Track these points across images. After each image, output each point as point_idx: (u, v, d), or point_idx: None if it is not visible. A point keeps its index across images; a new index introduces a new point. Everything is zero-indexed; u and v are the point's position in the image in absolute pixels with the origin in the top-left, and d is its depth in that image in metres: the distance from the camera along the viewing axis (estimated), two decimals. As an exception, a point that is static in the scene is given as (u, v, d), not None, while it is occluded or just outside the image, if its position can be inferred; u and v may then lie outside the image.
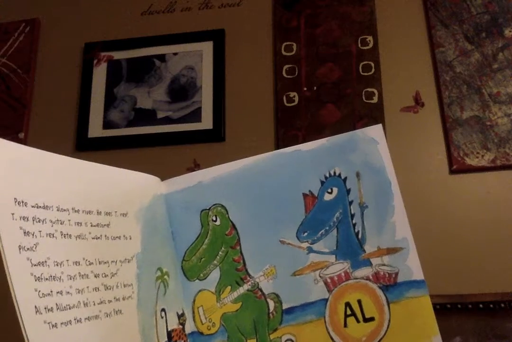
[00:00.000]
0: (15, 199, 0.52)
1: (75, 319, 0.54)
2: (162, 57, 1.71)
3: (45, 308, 0.51)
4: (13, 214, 0.51)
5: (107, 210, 0.65)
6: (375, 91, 1.52)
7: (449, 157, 1.45)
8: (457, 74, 1.49)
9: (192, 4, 1.74)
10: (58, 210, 0.57)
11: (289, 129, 1.53)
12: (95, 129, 1.67)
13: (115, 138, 1.65)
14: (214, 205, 0.77)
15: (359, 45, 1.57)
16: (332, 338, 0.71)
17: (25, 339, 0.48)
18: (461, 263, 1.37)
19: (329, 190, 0.74)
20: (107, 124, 1.67)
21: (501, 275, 1.34)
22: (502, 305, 1.31)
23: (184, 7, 1.75)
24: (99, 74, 1.72)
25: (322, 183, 0.75)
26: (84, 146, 1.65)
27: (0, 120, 1.70)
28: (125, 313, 0.62)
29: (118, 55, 1.73)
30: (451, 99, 1.47)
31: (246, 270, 0.75)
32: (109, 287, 0.61)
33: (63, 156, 0.61)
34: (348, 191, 0.74)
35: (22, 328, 0.48)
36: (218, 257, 0.75)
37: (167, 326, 0.69)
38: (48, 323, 0.51)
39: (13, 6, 1.86)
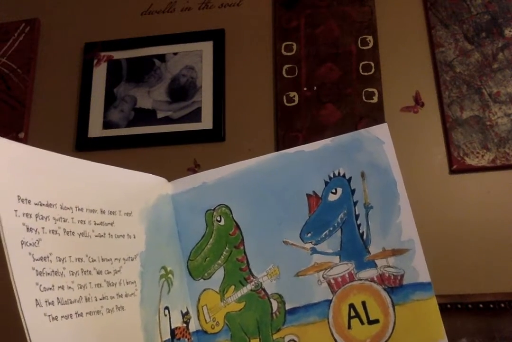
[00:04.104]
0: (18, 196, 0.53)
1: (76, 313, 0.55)
2: (162, 57, 1.70)
3: (46, 302, 0.51)
4: (16, 210, 0.52)
5: (111, 209, 0.66)
6: (375, 91, 1.52)
7: (449, 157, 1.44)
8: (457, 74, 1.49)
9: (192, 4, 1.74)
10: (61, 208, 0.58)
11: (289, 129, 1.53)
12: (95, 129, 1.67)
13: (115, 138, 1.65)
14: (218, 205, 0.77)
15: (359, 45, 1.57)
16: (335, 340, 0.71)
17: (25, 331, 0.48)
18: (461, 263, 1.37)
19: (333, 190, 0.74)
20: (107, 124, 1.67)
21: (501, 275, 1.34)
22: (502, 305, 1.30)
23: (184, 7, 1.74)
24: (99, 74, 1.72)
25: (326, 183, 0.74)
26: (84, 146, 1.65)
27: (0, 120, 1.69)
28: (128, 310, 0.63)
29: (118, 55, 1.73)
30: (451, 99, 1.47)
31: (250, 270, 0.75)
32: (112, 284, 0.62)
33: (69, 156, 0.62)
34: (353, 191, 0.74)
35: (22, 320, 0.49)
36: (222, 257, 0.75)
37: (170, 324, 0.70)
38: (49, 315, 0.51)
39: (13, 6, 1.85)
